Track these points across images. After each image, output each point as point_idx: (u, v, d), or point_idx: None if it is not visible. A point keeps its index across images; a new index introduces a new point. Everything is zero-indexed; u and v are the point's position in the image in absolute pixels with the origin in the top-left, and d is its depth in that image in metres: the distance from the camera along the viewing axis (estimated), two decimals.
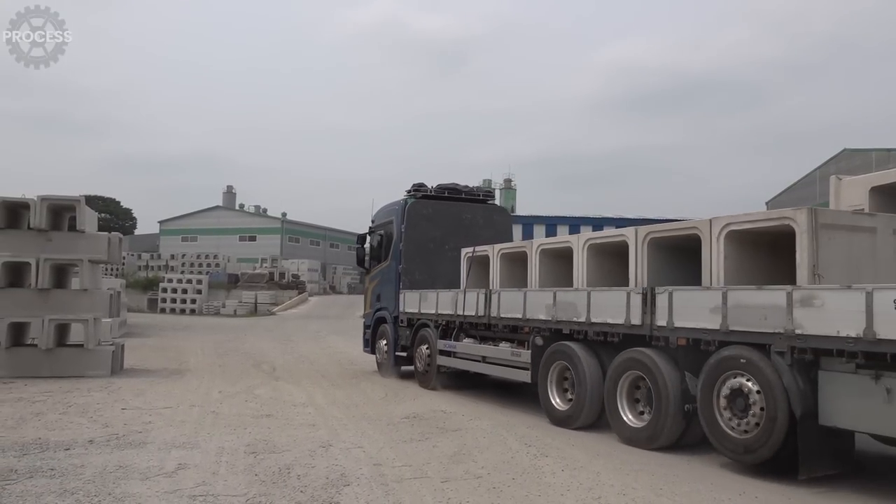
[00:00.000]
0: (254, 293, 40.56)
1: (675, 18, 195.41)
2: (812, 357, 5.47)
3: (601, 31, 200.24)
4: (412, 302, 11.70)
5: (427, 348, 11.18)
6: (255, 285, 42.61)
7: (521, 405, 9.33)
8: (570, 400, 7.99)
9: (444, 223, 12.55)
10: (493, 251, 10.38)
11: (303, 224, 73.38)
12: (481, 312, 9.67)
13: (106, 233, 12.62)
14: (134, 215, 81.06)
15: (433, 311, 10.97)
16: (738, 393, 5.94)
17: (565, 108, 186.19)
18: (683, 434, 6.73)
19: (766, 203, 47.69)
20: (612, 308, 7.38)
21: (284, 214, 74.66)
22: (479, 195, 13.45)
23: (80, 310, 11.48)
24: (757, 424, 5.75)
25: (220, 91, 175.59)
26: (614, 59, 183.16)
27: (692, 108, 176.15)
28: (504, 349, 9.31)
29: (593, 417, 7.74)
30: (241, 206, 76.72)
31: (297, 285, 44.59)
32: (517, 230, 62.33)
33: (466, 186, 13.40)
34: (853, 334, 5.06)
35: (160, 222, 73.68)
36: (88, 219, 11.99)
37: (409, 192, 12.95)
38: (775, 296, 5.68)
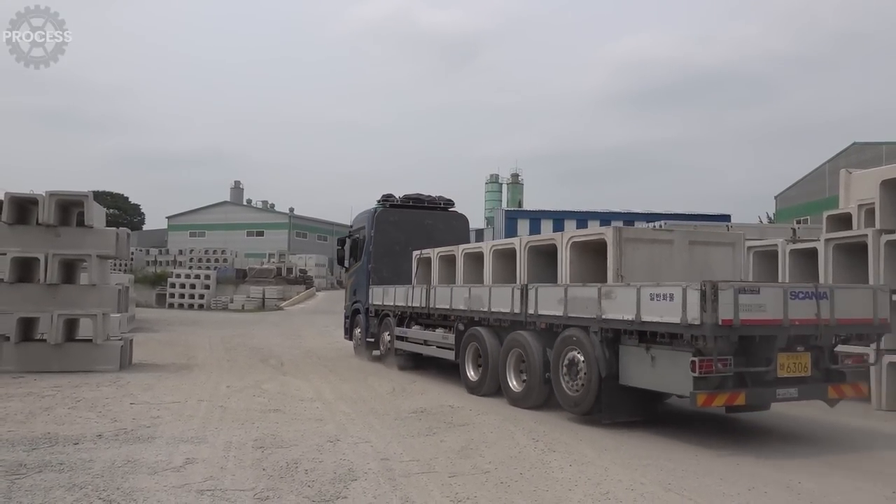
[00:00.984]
0: (261, 288, 40.64)
1: (683, 13, 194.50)
2: (613, 335, 7.42)
3: (609, 26, 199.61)
4: (378, 296, 13.68)
5: (388, 334, 13.17)
6: (262, 280, 42.69)
7: None
8: (480, 373, 9.85)
9: (409, 228, 14.40)
10: (434, 253, 12.46)
11: (310, 219, 73.45)
12: (424, 304, 11.56)
13: (114, 228, 12.65)
14: (142, 211, 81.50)
15: (392, 304, 12.97)
16: (572, 362, 7.88)
17: (574, 102, 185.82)
18: (548, 397, 8.41)
19: (775, 197, 47.42)
20: (504, 300, 9.29)
21: (292, 209, 74.80)
22: (440, 204, 15.27)
23: (89, 305, 11.52)
24: (583, 385, 7.67)
25: (228, 86, 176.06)
26: (623, 53, 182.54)
27: (701, 103, 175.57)
28: (439, 334, 11.27)
29: (495, 387, 9.45)
30: (249, 201, 76.85)
31: (304, 280, 44.63)
32: (524, 225, 62.52)
33: (430, 196, 15.27)
34: (630, 318, 7.04)
35: (168, 218, 73.85)
36: (97, 214, 12.02)
37: (379, 201, 14.89)
38: (591, 291, 7.70)
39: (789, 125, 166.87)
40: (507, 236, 57.29)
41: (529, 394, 8.63)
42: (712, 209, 59.83)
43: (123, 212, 74.55)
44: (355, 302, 15.38)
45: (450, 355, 10.74)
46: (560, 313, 8.11)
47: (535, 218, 63.39)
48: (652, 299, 6.82)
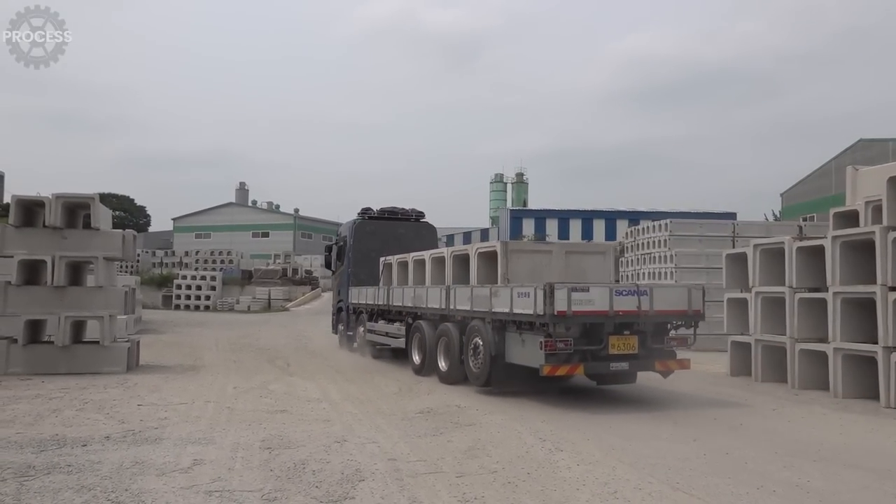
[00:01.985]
0: (267, 289, 40.70)
1: (687, 10, 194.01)
2: (500, 324, 9.50)
3: (613, 24, 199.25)
4: (355, 295, 15.67)
5: (362, 328, 15.16)
6: (268, 281, 42.75)
7: (535, 399, 9.31)
8: (421, 357, 11.70)
9: (384, 237, 16.31)
10: (395, 260, 14.48)
11: (315, 220, 73.57)
12: (385, 302, 13.68)
13: (120, 230, 12.68)
14: (148, 212, 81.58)
15: (365, 302, 14.98)
16: (476, 346, 9.98)
17: (578, 101, 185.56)
18: (465, 375, 10.30)
19: (782, 194, 47.23)
20: (435, 298, 11.40)
21: (297, 210, 74.94)
22: (412, 216, 17.27)
23: (96, 307, 11.56)
24: (482, 363, 9.80)
25: (233, 87, 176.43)
26: (626, 51, 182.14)
27: (706, 100, 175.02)
28: (395, 327, 13.16)
29: (432, 368, 11.28)
30: (254, 202, 77.00)
31: (310, 281, 44.67)
32: (529, 224, 62.43)
33: (403, 209, 17.33)
34: (507, 311, 9.17)
35: (174, 219, 74.07)
36: (103, 216, 12.05)
37: (359, 214, 17.07)
38: (485, 290, 9.85)
39: (795, 122, 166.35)
40: (511, 235, 57.30)
41: (451, 372, 10.68)
42: (718, 207, 59.81)
43: (129, 214, 74.70)
44: (339, 301, 17.46)
45: (402, 344, 12.75)
46: (469, 308, 10.26)
47: (540, 217, 63.33)
48: (519, 297, 8.98)
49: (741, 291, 12.53)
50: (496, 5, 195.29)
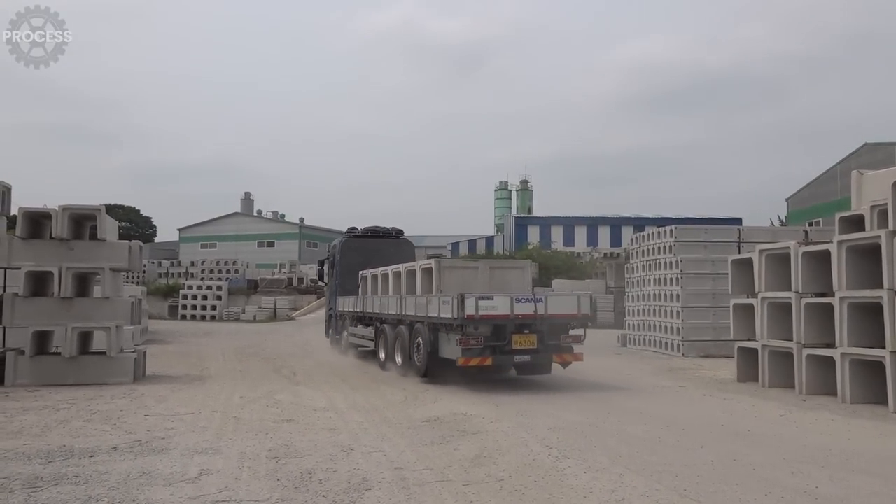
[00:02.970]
0: (273, 298, 40.76)
1: (690, 16, 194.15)
2: (434, 326, 11.53)
3: (617, 31, 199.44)
4: (342, 304, 17.93)
5: (346, 332, 17.37)
6: (274, 291, 42.83)
7: (541, 407, 9.29)
8: (385, 355, 13.80)
9: (367, 253, 18.16)
10: (369, 273, 16.38)
11: (320, 229, 73.64)
12: (361, 309, 15.85)
13: (126, 241, 12.74)
14: (154, 223, 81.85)
15: (349, 309, 17.12)
16: (419, 344, 12.11)
17: (583, 108, 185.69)
18: (416, 370, 12.22)
19: (787, 199, 47.13)
20: (393, 306, 13.46)
21: (302, 219, 75.02)
22: (392, 234, 19.50)
23: (103, 318, 11.59)
24: (422, 358, 11.88)
25: (237, 98, 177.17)
26: (631, 58, 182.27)
27: (710, 106, 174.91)
28: (368, 330, 15.35)
29: (392, 364, 13.28)
30: (259, 212, 77.15)
31: (315, 290, 44.71)
32: (535, 231, 62.40)
33: (385, 228, 19.57)
34: (437, 315, 11.22)
35: (179, 230, 74.25)
36: (109, 227, 12.12)
37: (345, 232, 19.85)
38: (424, 299, 11.99)
39: (800, 127, 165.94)
40: (517, 242, 57.28)
41: (404, 366, 12.68)
42: (724, 212, 59.66)
43: (135, 224, 74.97)
44: (330, 308, 19.95)
45: (371, 345, 14.91)
46: (415, 313, 12.21)
47: (545, 224, 63.35)
48: (443, 304, 11.06)
49: (747, 297, 12.50)
50: (500, 14, 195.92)
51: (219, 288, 40.14)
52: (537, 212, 78.01)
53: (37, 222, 11.78)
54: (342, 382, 12.16)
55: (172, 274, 50.43)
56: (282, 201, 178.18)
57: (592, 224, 62.90)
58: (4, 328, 11.78)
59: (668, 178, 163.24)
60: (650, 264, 19.71)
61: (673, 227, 18.91)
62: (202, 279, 44.72)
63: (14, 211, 12.14)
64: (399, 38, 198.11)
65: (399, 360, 13.01)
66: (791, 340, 10.99)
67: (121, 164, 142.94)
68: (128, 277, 31.70)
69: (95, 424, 7.87)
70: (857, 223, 10.80)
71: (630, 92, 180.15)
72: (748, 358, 12.16)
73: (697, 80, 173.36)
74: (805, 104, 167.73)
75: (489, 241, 69.36)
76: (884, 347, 9.19)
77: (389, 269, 14.80)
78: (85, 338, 11.89)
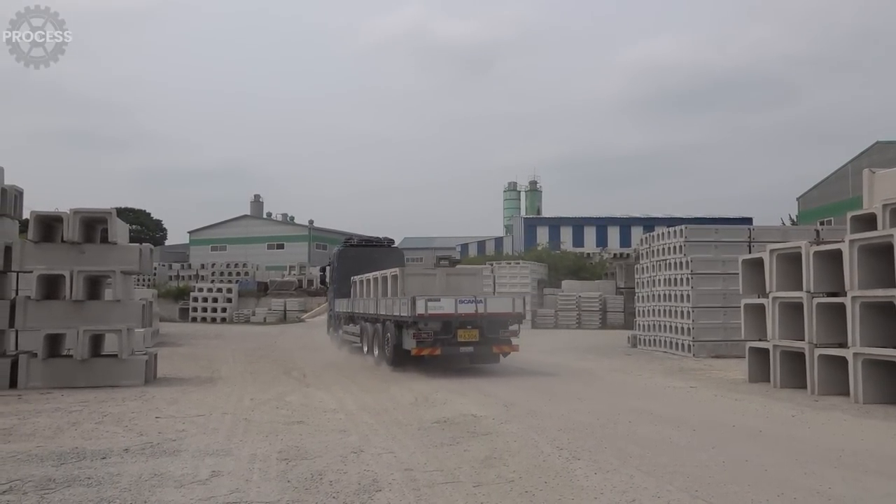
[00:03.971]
0: (283, 300, 40.90)
1: (697, 17, 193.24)
2: (399, 323, 13.48)
3: (625, 32, 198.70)
4: (338, 305, 20.14)
5: (341, 330, 19.59)
6: (283, 293, 42.97)
7: (551, 408, 9.27)
8: (367, 348, 16.11)
9: (361, 260, 19.77)
10: (358, 279, 18.21)
11: (330, 231, 73.82)
12: (351, 310, 18.06)
13: (137, 244, 12.79)
14: (164, 226, 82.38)
15: (343, 310, 19.25)
16: (388, 338, 14.09)
17: (591, 109, 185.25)
18: (387, 359, 14.23)
19: (798, 199, 46.87)
20: (370, 306, 15.79)
21: (311, 222, 75.22)
22: (384, 243, 21.99)
23: (114, 320, 11.66)
24: (390, 350, 13.87)
25: (247, 101, 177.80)
26: (639, 59, 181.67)
27: (719, 106, 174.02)
28: (356, 328, 17.59)
29: (371, 355, 15.52)
30: (269, 214, 77.40)
31: (325, 292, 44.78)
32: (544, 232, 62.29)
33: (377, 238, 22.32)
34: (398, 313, 13.29)
35: (190, 232, 74.57)
36: (120, 231, 12.17)
37: (342, 242, 22.46)
38: (391, 301, 14.03)
39: (811, 126, 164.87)
40: (526, 243, 57.18)
41: (380, 357, 14.85)
42: (734, 212, 59.43)
43: (146, 227, 75.43)
44: (330, 310, 22.27)
45: (359, 340, 17.10)
46: (385, 313, 14.32)
47: (555, 225, 63.25)
48: (402, 304, 13.14)
49: (758, 297, 12.43)
50: (509, 16, 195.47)
51: (229, 290, 40.29)
52: (546, 212, 77.93)
53: (48, 226, 11.86)
54: (352, 384, 12.17)
55: (183, 276, 50.63)
56: (291, 204, 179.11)
57: (602, 224, 62.75)
58: (17, 331, 11.89)
59: (678, 178, 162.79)
60: (660, 264, 19.63)
61: (683, 227, 18.83)
62: (212, 281, 44.93)
63: (26, 215, 12.22)
64: (408, 40, 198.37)
65: (376, 352, 15.15)
66: (803, 340, 10.92)
67: (131, 168, 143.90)
68: (139, 280, 31.88)
69: (107, 426, 7.92)
70: (868, 222, 10.71)
71: (639, 92, 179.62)
72: (759, 358, 12.09)
73: (707, 81, 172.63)
74: (816, 103, 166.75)
75: (498, 242, 69.32)
76: None
77: (371, 276, 16.66)
78: (96, 340, 11.97)
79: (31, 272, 11.43)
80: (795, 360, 11.24)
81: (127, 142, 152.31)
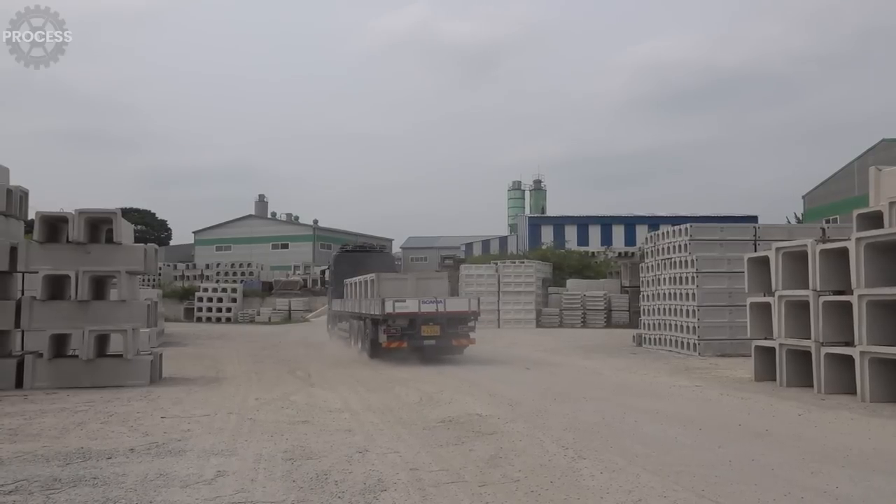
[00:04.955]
0: (287, 300, 40.95)
1: (702, 15, 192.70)
2: (375, 320, 15.51)
3: (629, 31, 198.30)
4: (335, 305, 22.51)
5: (337, 327, 22.08)
6: (288, 292, 43.01)
7: (556, 407, 9.26)
8: (354, 342, 18.15)
9: (356, 264, 21.38)
10: (351, 281, 19.95)
11: (334, 230, 73.90)
12: (344, 309, 20.33)
13: (142, 244, 12.80)
14: (169, 226, 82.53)
15: (338, 310, 21.76)
16: (367, 333, 16.21)
17: (596, 108, 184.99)
18: (367, 351, 16.35)
19: (804, 197, 46.72)
20: (355, 305, 17.95)
21: (316, 221, 75.33)
22: (376, 248, 25.55)
23: (119, 320, 11.68)
24: (369, 343, 15.97)
25: (251, 102, 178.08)
26: (643, 57, 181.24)
27: (725, 104, 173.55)
28: (345, 325, 19.99)
29: (357, 348, 17.55)
30: (273, 214, 77.51)
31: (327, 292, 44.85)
32: (548, 231, 62.21)
33: (371, 243, 25.29)
34: (373, 312, 15.61)
35: (194, 232, 74.75)
36: (125, 231, 12.19)
37: (339, 248, 24.94)
38: (369, 301, 16.40)
39: (816, 124, 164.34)
40: (530, 243, 57.13)
41: (362, 350, 16.74)
42: (739, 210, 59.22)
43: (151, 228, 75.62)
44: (329, 309, 24.63)
45: (347, 336, 19.37)
46: (365, 311, 16.45)
47: (559, 224, 63.13)
48: (375, 304, 15.28)
49: (764, 295, 12.38)
50: (512, 16, 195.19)
51: (234, 290, 40.36)
52: (551, 211, 77.83)
53: (54, 226, 11.89)
54: (357, 383, 12.17)
55: (188, 276, 50.73)
56: (296, 203, 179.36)
57: (606, 223, 62.60)
58: (23, 331, 11.91)
59: (683, 176, 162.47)
60: (665, 263, 19.59)
61: (688, 225, 18.78)
62: (217, 281, 45.02)
63: (31, 215, 12.25)
64: (412, 40, 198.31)
65: (360, 345, 17.36)
66: (809, 339, 10.88)
67: (136, 169, 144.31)
68: (144, 280, 31.98)
69: (113, 426, 7.93)
70: (875, 220, 10.65)
71: (644, 91, 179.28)
72: (765, 357, 12.05)
73: (711, 79, 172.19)
74: (821, 101, 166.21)
75: (503, 241, 69.26)
76: None
77: (359, 279, 18.51)
78: (102, 340, 11.98)
79: (37, 272, 11.45)
80: (802, 359, 11.19)
81: (132, 142, 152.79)
